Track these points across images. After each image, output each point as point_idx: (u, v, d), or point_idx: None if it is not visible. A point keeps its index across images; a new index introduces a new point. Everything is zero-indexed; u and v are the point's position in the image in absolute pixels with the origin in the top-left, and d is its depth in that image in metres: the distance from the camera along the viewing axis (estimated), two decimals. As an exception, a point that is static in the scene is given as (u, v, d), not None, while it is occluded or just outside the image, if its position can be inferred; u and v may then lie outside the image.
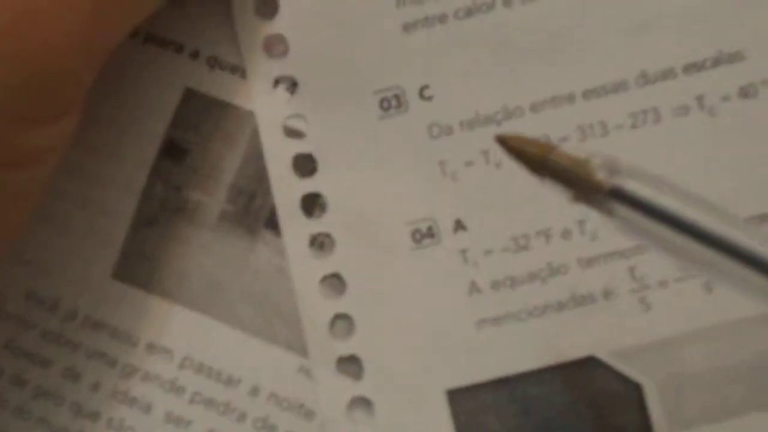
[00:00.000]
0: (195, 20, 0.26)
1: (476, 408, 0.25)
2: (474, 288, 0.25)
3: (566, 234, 0.25)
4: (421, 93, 0.25)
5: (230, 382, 0.25)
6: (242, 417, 0.25)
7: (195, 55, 0.26)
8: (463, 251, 0.25)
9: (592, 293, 0.25)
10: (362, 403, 0.25)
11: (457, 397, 0.25)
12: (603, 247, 0.25)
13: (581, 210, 0.24)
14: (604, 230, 0.25)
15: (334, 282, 0.25)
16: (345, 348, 0.25)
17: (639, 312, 0.24)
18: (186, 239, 0.25)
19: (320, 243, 0.25)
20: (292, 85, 0.25)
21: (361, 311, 0.25)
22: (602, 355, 0.24)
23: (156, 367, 0.25)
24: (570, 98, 0.25)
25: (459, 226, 0.25)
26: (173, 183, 0.26)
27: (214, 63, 0.26)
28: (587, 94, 0.25)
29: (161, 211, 0.26)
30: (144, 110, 0.26)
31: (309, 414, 0.25)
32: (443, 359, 0.25)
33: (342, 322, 0.25)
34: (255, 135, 0.25)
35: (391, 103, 0.25)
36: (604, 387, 0.24)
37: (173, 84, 0.26)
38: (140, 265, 0.26)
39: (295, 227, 0.25)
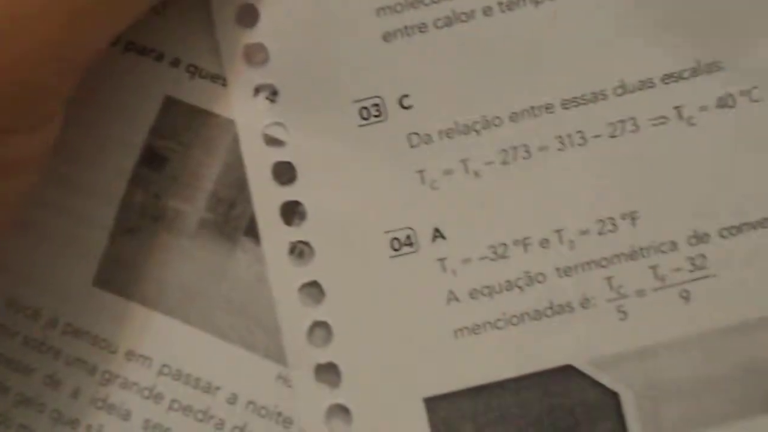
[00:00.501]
0: (175, 28, 0.26)
1: (454, 416, 0.25)
2: (452, 296, 0.25)
3: (544, 243, 0.25)
4: (401, 102, 0.25)
5: (208, 389, 0.25)
6: (220, 424, 0.25)
7: (175, 63, 0.26)
8: (442, 260, 0.25)
9: (569, 302, 0.25)
10: (340, 410, 0.25)
11: (434, 405, 0.25)
12: (580, 256, 0.25)
13: (559, 219, 0.25)
14: (581, 239, 0.25)
15: (313, 290, 0.25)
16: (323, 356, 0.25)
17: (616, 321, 0.25)
18: (165, 247, 0.26)
19: (299, 251, 0.25)
20: (273, 94, 0.25)
21: (340, 319, 0.25)
22: (579, 363, 0.25)
23: (135, 374, 0.25)
24: (548, 107, 0.25)
25: (437, 234, 0.25)
26: (153, 191, 0.26)
27: (194, 71, 0.26)
28: (566, 104, 0.25)
29: (141, 220, 0.26)
30: (124, 118, 0.26)
31: (287, 421, 0.25)
32: (421, 367, 0.25)
33: (320, 329, 0.25)
34: (235, 143, 0.26)
35: (371, 112, 0.25)
36: (581, 396, 0.25)
37: (153, 92, 0.26)
38: (120, 273, 0.26)
39: (275, 235, 0.25)
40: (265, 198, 0.25)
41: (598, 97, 0.25)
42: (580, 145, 0.25)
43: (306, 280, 0.25)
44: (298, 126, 0.25)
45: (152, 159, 0.26)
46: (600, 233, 0.25)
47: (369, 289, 0.25)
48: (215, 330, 0.25)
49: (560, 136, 0.25)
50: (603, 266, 0.25)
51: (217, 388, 0.25)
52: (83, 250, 0.26)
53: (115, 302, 0.26)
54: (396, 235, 0.25)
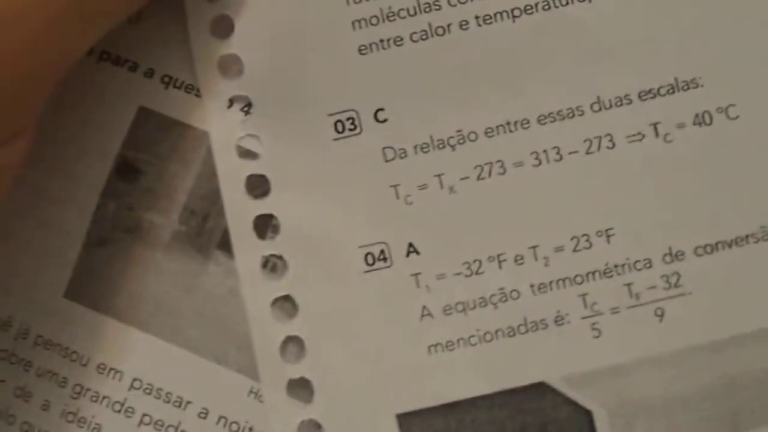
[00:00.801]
0: (150, 39, 0.25)
1: (426, 432, 0.25)
2: (426, 312, 0.25)
3: (518, 259, 0.25)
4: (376, 115, 0.25)
5: (180, 404, 0.25)
6: (191, 439, 0.25)
7: (149, 73, 0.26)
8: (416, 275, 0.25)
9: (543, 319, 0.24)
10: (312, 426, 0.25)
11: (407, 421, 0.25)
12: (555, 273, 0.24)
13: (534, 235, 0.25)
14: (556, 256, 0.24)
15: (286, 304, 0.25)
16: (296, 371, 0.25)
17: (590, 338, 0.24)
18: (138, 260, 0.25)
19: (272, 265, 0.25)
20: (247, 106, 0.25)
21: (313, 334, 0.25)
22: (553, 381, 0.24)
23: (106, 387, 0.25)
24: (524, 123, 0.25)
25: (411, 250, 0.25)
26: (126, 203, 0.25)
27: (168, 82, 0.25)
28: (542, 119, 0.25)
29: (114, 231, 0.25)
30: (97, 129, 0.26)
31: (258, 437, 0.25)
32: (394, 383, 0.25)
33: (293, 344, 0.25)
34: (209, 155, 0.25)
35: (346, 125, 0.25)
36: (554, 413, 0.24)
37: (127, 103, 0.25)
38: (92, 285, 0.25)
39: (248, 249, 0.25)
40: (239, 211, 0.25)
41: (574, 112, 0.25)
42: (556, 161, 0.25)
43: (279, 294, 0.25)
44: (272, 138, 0.25)
45: (125, 170, 0.25)
46: (575, 250, 0.25)
47: (342, 304, 0.25)
48: (187, 344, 0.25)
49: (536, 152, 0.25)
50: (578, 283, 0.24)
51: (189, 403, 0.25)
52: (56, 261, 0.26)
53: (87, 315, 0.25)
54: (370, 249, 0.25)
